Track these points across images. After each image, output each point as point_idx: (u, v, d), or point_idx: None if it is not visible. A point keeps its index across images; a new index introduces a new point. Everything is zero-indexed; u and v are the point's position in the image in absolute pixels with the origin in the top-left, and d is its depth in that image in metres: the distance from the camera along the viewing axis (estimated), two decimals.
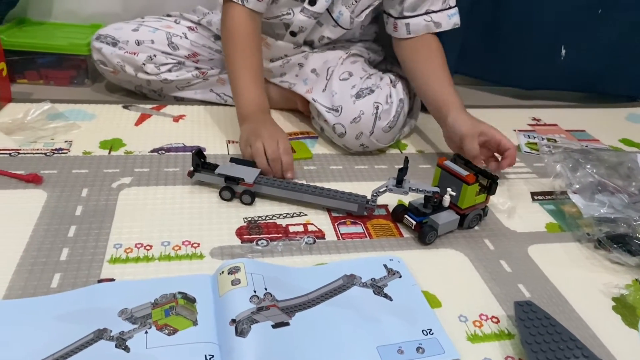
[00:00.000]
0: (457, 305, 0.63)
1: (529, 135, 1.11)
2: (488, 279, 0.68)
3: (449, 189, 0.74)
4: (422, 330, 0.57)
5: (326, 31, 1.00)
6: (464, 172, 0.73)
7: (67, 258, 0.64)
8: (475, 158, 0.84)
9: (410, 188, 0.73)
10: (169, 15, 1.11)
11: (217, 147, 0.93)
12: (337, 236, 0.73)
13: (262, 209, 0.77)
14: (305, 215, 0.77)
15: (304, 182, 0.84)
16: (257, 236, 0.71)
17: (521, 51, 1.24)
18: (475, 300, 0.64)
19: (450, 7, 0.97)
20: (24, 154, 0.85)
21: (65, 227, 0.69)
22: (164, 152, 0.90)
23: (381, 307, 0.60)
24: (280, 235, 0.72)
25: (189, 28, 1.07)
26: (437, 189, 0.74)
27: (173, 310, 0.56)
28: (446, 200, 0.74)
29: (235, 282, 0.58)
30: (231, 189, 0.77)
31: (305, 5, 0.95)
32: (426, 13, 0.96)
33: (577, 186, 0.81)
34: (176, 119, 1.02)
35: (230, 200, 0.78)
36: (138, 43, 1.02)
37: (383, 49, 1.13)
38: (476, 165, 0.78)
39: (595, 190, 0.80)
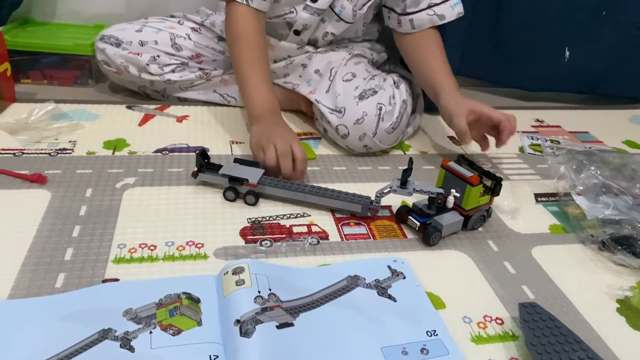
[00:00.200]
0: (461, 307, 0.63)
1: (532, 137, 1.11)
2: (492, 280, 0.68)
3: (453, 190, 0.74)
4: (427, 332, 0.57)
5: (329, 27, 1.00)
6: (468, 174, 0.73)
7: (71, 258, 0.64)
8: (464, 135, 0.84)
9: (414, 189, 0.73)
10: (172, 16, 1.11)
11: (220, 148, 0.93)
12: (341, 237, 0.73)
13: (266, 209, 0.77)
14: (309, 216, 0.77)
15: (307, 183, 0.84)
16: (261, 237, 0.71)
17: (524, 52, 1.23)
18: (479, 302, 0.64)
19: None
20: (28, 153, 0.85)
21: (69, 227, 0.69)
22: (167, 152, 0.90)
23: (385, 308, 0.60)
24: (284, 235, 0.72)
25: (193, 29, 1.07)
26: (441, 190, 0.74)
27: (177, 310, 0.56)
28: (450, 201, 0.74)
29: (240, 283, 0.58)
30: (235, 190, 0.77)
31: (308, 2, 0.95)
32: (429, 7, 0.97)
33: (581, 188, 0.81)
34: (180, 119, 1.02)
35: (234, 200, 0.78)
36: (142, 44, 1.02)
37: (387, 50, 1.13)
38: (462, 140, 0.77)
39: (600, 191, 0.80)
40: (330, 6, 0.97)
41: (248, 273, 0.59)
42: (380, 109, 0.91)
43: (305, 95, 0.99)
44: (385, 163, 0.94)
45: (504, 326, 0.61)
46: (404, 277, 0.65)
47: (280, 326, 0.55)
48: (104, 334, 0.53)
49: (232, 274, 0.60)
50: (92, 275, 0.62)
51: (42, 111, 0.95)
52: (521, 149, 1.05)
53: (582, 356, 0.54)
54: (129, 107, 1.05)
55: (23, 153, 0.85)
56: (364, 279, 0.64)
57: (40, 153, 0.85)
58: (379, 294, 0.62)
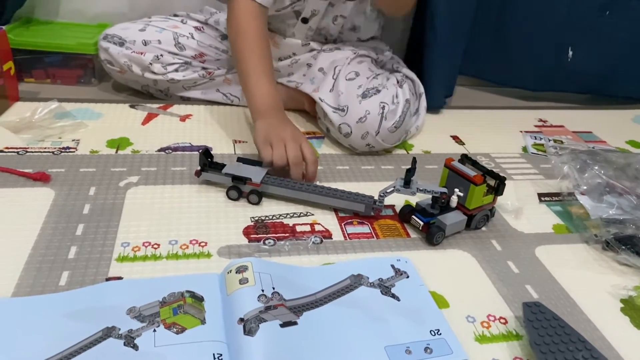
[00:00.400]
0: (465, 306, 0.63)
1: (535, 137, 1.11)
2: (495, 279, 0.68)
3: (456, 190, 0.74)
4: (430, 331, 0.57)
5: (338, 9, 0.99)
6: (471, 173, 0.73)
7: (75, 256, 0.64)
8: None
9: (417, 188, 0.73)
10: (175, 15, 1.11)
11: (223, 147, 0.93)
12: (344, 236, 0.73)
13: (269, 208, 0.77)
14: (312, 215, 0.77)
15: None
16: (264, 235, 0.71)
17: (528, 52, 1.23)
18: (483, 301, 0.64)
19: None
20: (32, 152, 0.85)
21: (73, 226, 0.69)
22: (170, 151, 0.90)
23: (389, 307, 0.60)
24: (287, 234, 0.72)
25: (196, 28, 1.07)
26: (444, 190, 0.74)
27: (181, 308, 0.56)
28: (454, 200, 0.74)
29: (243, 281, 0.58)
30: (238, 189, 0.77)
31: None
32: None
33: (585, 187, 0.81)
34: (183, 118, 1.02)
35: (237, 199, 0.78)
36: (145, 43, 1.02)
37: (390, 49, 1.13)
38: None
39: (603, 191, 0.80)
40: None
41: (251, 272, 0.59)
42: (383, 107, 0.91)
43: (308, 94, 0.99)
44: (388, 162, 0.94)
45: (508, 325, 0.61)
46: (408, 277, 0.65)
47: (284, 325, 0.55)
48: (108, 332, 0.53)
49: (236, 272, 0.60)
50: (95, 274, 0.62)
51: (46, 110, 0.95)
52: (524, 149, 1.05)
53: (586, 355, 0.54)
54: (132, 106, 1.05)
55: (27, 151, 0.85)
56: (368, 278, 0.64)
57: (44, 152, 0.85)
58: (382, 293, 0.62)
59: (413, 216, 0.75)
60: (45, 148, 0.86)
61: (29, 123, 0.92)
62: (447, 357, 0.55)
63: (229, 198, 0.78)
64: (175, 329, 0.54)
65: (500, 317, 0.62)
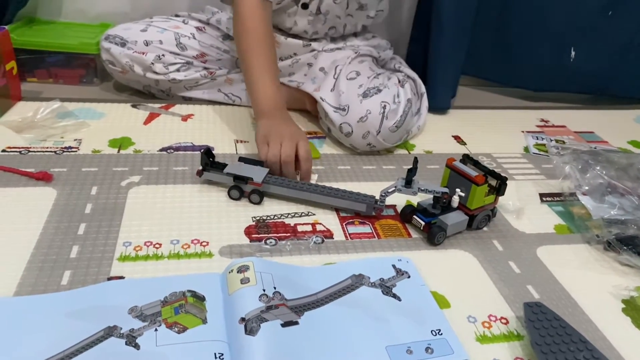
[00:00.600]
0: (466, 306, 0.63)
1: (537, 137, 1.10)
2: (497, 279, 0.68)
3: (458, 190, 0.74)
4: (431, 331, 0.57)
5: None
6: (473, 173, 0.73)
7: (77, 255, 0.64)
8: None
9: (419, 188, 0.73)
10: (177, 15, 1.11)
11: (225, 147, 0.93)
12: (346, 236, 0.73)
13: (271, 208, 0.77)
14: (314, 214, 0.77)
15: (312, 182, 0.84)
16: (266, 235, 0.71)
17: (530, 52, 1.23)
18: (484, 301, 0.64)
19: None
20: (34, 152, 0.85)
21: (75, 225, 0.69)
22: (172, 151, 0.90)
23: (390, 307, 0.60)
24: (288, 234, 0.72)
25: (197, 28, 1.07)
26: (446, 190, 0.74)
27: (182, 308, 0.57)
28: (455, 200, 0.74)
29: (245, 281, 0.58)
30: (240, 188, 0.78)
31: None
32: None
33: (587, 188, 0.81)
34: (185, 118, 1.02)
35: (238, 199, 0.78)
36: (146, 43, 1.02)
37: (392, 47, 1.13)
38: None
39: (605, 191, 0.79)
40: None
41: (253, 271, 0.59)
42: (385, 107, 0.91)
43: (310, 93, 0.99)
44: (389, 162, 0.94)
45: (509, 326, 0.61)
46: (409, 277, 0.65)
47: (285, 324, 0.55)
48: (110, 331, 0.53)
49: (237, 272, 0.60)
50: (97, 273, 0.62)
51: (48, 109, 0.96)
52: (526, 149, 1.05)
53: (588, 356, 0.54)
54: (134, 106, 1.05)
55: (29, 151, 0.85)
56: (369, 278, 0.64)
57: (46, 151, 0.86)
58: (383, 293, 0.62)
59: (414, 216, 0.75)
60: (47, 148, 0.87)
61: (31, 123, 0.92)
62: (448, 357, 0.55)
63: (231, 198, 0.78)
64: (176, 329, 0.54)
65: (502, 317, 0.62)
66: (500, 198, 0.78)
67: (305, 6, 0.99)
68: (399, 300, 0.61)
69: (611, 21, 1.19)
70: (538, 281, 0.68)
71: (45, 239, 0.66)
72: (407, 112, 0.94)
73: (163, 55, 1.02)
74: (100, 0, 1.20)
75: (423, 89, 1.07)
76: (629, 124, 1.23)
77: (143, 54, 1.02)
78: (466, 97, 1.26)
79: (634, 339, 0.61)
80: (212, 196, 0.78)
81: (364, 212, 0.77)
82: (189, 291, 0.59)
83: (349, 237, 0.73)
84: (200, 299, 0.58)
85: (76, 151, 0.87)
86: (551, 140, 1.09)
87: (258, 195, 0.77)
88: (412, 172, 0.73)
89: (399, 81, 0.99)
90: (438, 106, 1.15)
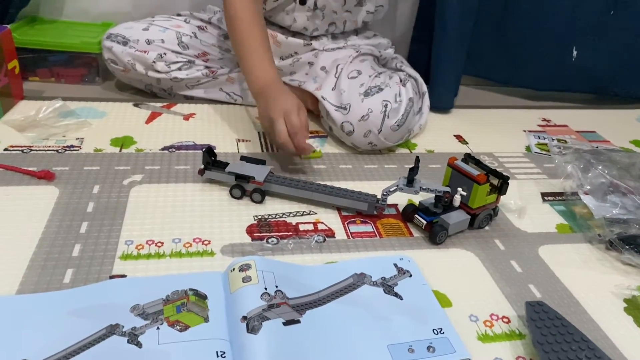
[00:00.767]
0: (468, 305, 0.63)
1: (539, 136, 1.10)
2: (498, 279, 0.68)
3: (459, 189, 0.74)
4: (433, 330, 0.57)
5: None
6: (475, 172, 0.73)
7: (79, 254, 0.64)
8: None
9: (420, 187, 0.73)
10: (179, 15, 1.11)
11: (227, 146, 0.93)
12: (347, 235, 0.73)
13: (272, 207, 0.77)
14: (315, 213, 0.77)
15: (313, 181, 0.84)
16: (267, 234, 0.71)
17: (531, 52, 1.23)
18: (485, 300, 0.64)
19: None
20: (36, 150, 0.85)
21: (77, 224, 0.69)
22: (174, 150, 0.90)
23: (391, 306, 0.60)
24: (290, 233, 0.72)
25: (199, 27, 1.07)
26: (447, 189, 0.74)
27: (184, 306, 0.57)
28: (457, 200, 0.74)
29: (246, 280, 0.58)
30: (241, 187, 0.78)
31: None
32: None
33: (589, 187, 0.81)
34: (186, 117, 1.02)
35: (240, 198, 0.78)
36: (148, 42, 1.02)
37: (393, 46, 1.13)
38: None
39: (607, 191, 0.79)
40: None
41: (255, 270, 0.60)
42: (386, 106, 0.91)
43: (311, 92, 0.99)
44: (391, 161, 0.94)
45: (511, 325, 0.61)
46: (410, 275, 0.65)
47: (287, 323, 0.55)
48: (112, 330, 0.53)
49: (239, 270, 0.60)
50: (99, 272, 0.62)
51: (50, 108, 0.96)
52: (528, 148, 1.05)
53: (589, 355, 0.54)
54: (135, 105, 1.05)
55: (31, 150, 0.85)
56: (370, 276, 0.64)
57: (48, 150, 0.86)
58: (385, 292, 0.62)
59: (416, 215, 0.75)
60: (49, 146, 0.87)
61: (33, 121, 0.93)
62: (449, 356, 0.55)
63: (232, 196, 0.78)
64: (178, 327, 0.54)
65: (503, 317, 0.62)
66: (502, 197, 0.78)
67: (302, 2, 0.99)
68: (401, 299, 0.61)
69: (613, 20, 1.19)
70: (540, 280, 0.68)
71: (47, 238, 0.66)
72: (409, 111, 0.94)
73: (165, 53, 1.03)
74: (102, 0, 1.20)
75: (424, 88, 1.07)
76: (631, 124, 1.23)
77: (145, 52, 1.02)
78: (468, 97, 1.26)
79: (636, 338, 0.61)
80: (213, 195, 0.78)
81: (366, 211, 0.77)
82: (190, 290, 0.59)
83: (350, 236, 0.73)
84: (202, 297, 0.58)
85: (78, 150, 0.87)
86: (553, 139, 1.09)
87: (260, 194, 0.77)
88: (413, 171, 0.73)
89: (401, 80, 0.99)
90: (442, 106, 1.15)
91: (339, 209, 0.78)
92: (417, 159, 0.73)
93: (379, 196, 0.76)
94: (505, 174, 0.76)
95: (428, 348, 0.55)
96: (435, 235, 0.72)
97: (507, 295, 0.65)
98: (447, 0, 1.09)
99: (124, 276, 0.62)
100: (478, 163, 0.77)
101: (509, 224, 0.80)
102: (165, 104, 1.06)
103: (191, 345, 0.52)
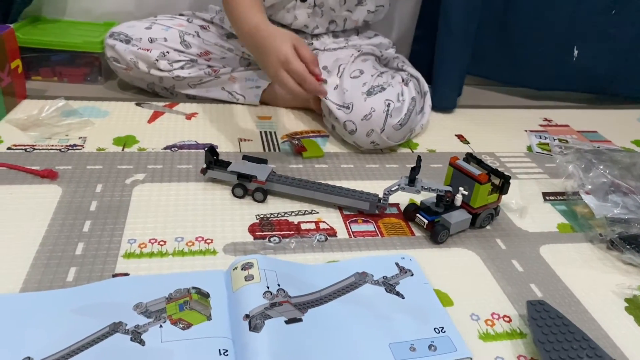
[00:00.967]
0: (469, 304, 0.63)
1: (540, 136, 1.10)
2: (500, 278, 0.68)
3: (461, 188, 0.74)
4: (434, 328, 0.58)
5: None
6: (476, 172, 0.73)
7: (82, 252, 0.65)
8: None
9: (422, 187, 0.73)
10: (181, 15, 1.11)
11: (229, 145, 0.93)
12: (349, 234, 0.73)
13: (274, 206, 0.78)
14: (317, 213, 0.77)
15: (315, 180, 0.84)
16: (269, 233, 0.72)
17: (533, 52, 1.23)
18: (487, 299, 0.64)
19: None
20: (39, 149, 0.85)
21: (80, 222, 0.70)
22: (176, 149, 0.90)
23: (393, 305, 0.60)
24: (292, 232, 0.72)
25: (202, 27, 1.07)
26: (449, 188, 0.74)
27: (187, 304, 0.57)
28: (458, 199, 0.74)
29: (249, 278, 0.59)
30: (243, 186, 0.78)
31: None
32: None
33: (590, 187, 0.81)
34: (188, 116, 1.02)
35: (242, 197, 0.78)
36: (151, 40, 1.03)
37: (394, 45, 1.13)
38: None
39: (608, 190, 0.80)
40: None
41: (257, 269, 0.60)
42: (389, 105, 0.91)
43: None
44: (393, 161, 0.94)
45: (512, 324, 0.61)
46: (412, 274, 0.65)
47: (289, 321, 0.55)
48: (115, 328, 0.54)
49: (241, 269, 0.60)
50: (102, 270, 0.62)
51: (53, 108, 0.96)
52: (529, 148, 1.05)
53: (590, 354, 0.54)
54: (138, 104, 1.05)
55: (34, 149, 0.86)
56: (372, 275, 0.64)
57: (51, 149, 0.86)
58: (386, 291, 0.62)
59: (418, 214, 0.75)
60: (52, 145, 0.87)
61: (36, 121, 0.93)
62: (451, 355, 0.55)
63: (235, 196, 0.79)
64: (181, 325, 0.54)
65: (505, 316, 0.62)
66: (504, 197, 0.78)
67: None
68: (402, 298, 0.62)
69: (615, 20, 1.19)
70: (541, 279, 0.68)
71: (50, 236, 0.67)
72: (412, 110, 0.95)
73: (167, 52, 1.03)
74: (104, 0, 1.20)
75: (426, 87, 1.07)
76: (632, 124, 1.23)
77: (148, 50, 1.02)
78: (469, 97, 1.26)
79: (637, 337, 0.61)
80: (216, 194, 0.79)
81: (368, 210, 0.77)
82: (193, 288, 0.59)
83: (352, 235, 0.73)
84: (205, 295, 0.58)
85: (81, 149, 0.87)
86: (554, 139, 1.09)
87: (262, 193, 0.77)
88: (415, 170, 0.73)
89: (403, 80, 1.00)
90: (444, 106, 1.15)
91: (340, 208, 0.79)
92: (419, 159, 0.74)
93: (381, 195, 0.77)
94: (506, 173, 0.76)
95: (429, 347, 0.55)
96: (437, 234, 0.72)
97: (509, 294, 0.65)
98: None
99: (126, 274, 0.62)
100: (479, 163, 0.77)
101: (510, 223, 0.80)
102: (167, 103, 1.07)
103: (194, 344, 0.53)
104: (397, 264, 0.67)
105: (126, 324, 0.54)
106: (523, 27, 1.22)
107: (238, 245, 0.69)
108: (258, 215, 0.75)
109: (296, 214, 0.76)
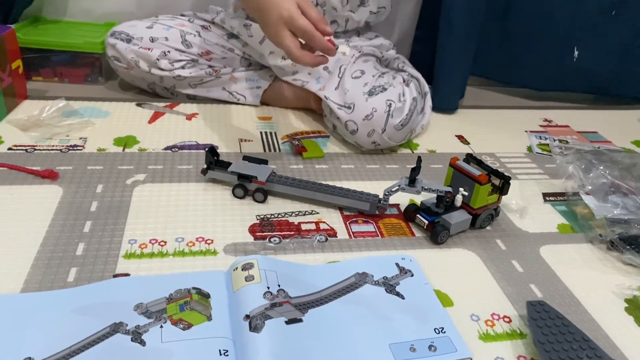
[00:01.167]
0: (469, 305, 0.63)
1: (540, 137, 1.11)
2: (500, 278, 0.68)
3: (461, 189, 0.74)
4: (434, 329, 0.58)
5: None
6: (476, 172, 0.73)
7: (83, 253, 0.65)
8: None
9: (422, 187, 0.73)
10: (182, 15, 1.11)
11: (229, 145, 0.94)
12: (349, 234, 0.74)
13: (275, 206, 0.78)
14: (317, 213, 0.77)
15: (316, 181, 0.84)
16: (270, 233, 0.72)
17: (533, 52, 1.23)
18: (487, 300, 0.64)
19: None
20: (40, 150, 0.86)
21: (81, 223, 0.70)
22: (177, 149, 0.90)
23: (393, 305, 0.61)
24: (292, 233, 0.73)
25: (203, 27, 1.08)
26: (449, 189, 0.74)
27: (188, 305, 0.57)
28: (458, 200, 0.74)
29: (249, 279, 0.59)
30: (244, 187, 0.78)
31: None
32: None
33: (590, 187, 0.81)
34: (189, 117, 1.03)
35: (243, 197, 0.78)
36: (152, 40, 1.03)
37: (394, 47, 1.13)
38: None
39: (608, 191, 0.80)
40: None
41: (257, 269, 0.60)
42: (390, 105, 0.91)
43: (315, 92, 1.00)
44: (393, 161, 0.94)
45: (512, 324, 0.61)
46: (412, 275, 0.65)
47: (289, 322, 0.55)
48: (115, 328, 0.54)
49: (242, 269, 0.60)
50: (103, 270, 0.62)
51: (54, 108, 0.96)
52: (529, 149, 1.05)
53: (590, 354, 0.55)
54: (138, 105, 1.05)
55: (35, 149, 0.86)
56: (372, 276, 0.64)
57: (52, 149, 0.86)
58: (387, 291, 0.62)
59: (418, 215, 0.75)
60: (53, 146, 0.87)
61: (37, 121, 0.93)
62: (451, 355, 0.55)
63: (235, 196, 0.79)
64: (181, 325, 0.55)
65: (505, 316, 0.62)
66: (504, 197, 0.78)
67: None
68: (403, 298, 0.62)
69: (615, 21, 1.19)
70: (541, 280, 0.68)
71: (51, 237, 0.67)
72: (413, 111, 0.95)
73: (168, 51, 1.03)
74: (105, 0, 1.20)
75: (427, 88, 1.07)
76: (632, 124, 1.23)
77: (149, 49, 1.02)
78: (470, 97, 1.26)
79: (637, 337, 0.61)
80: (216, 194, 0.79)
81: (368, 210, 0.77)
82: (194, 288, 0.59)
83: (352, 236, 0.73)
84: (205, 296, 0.59)
85: (81, 149, 0.87)
86: (554, 140, 1.09)
87: (262, 194, 0.78)
88: (415, 171, 0.73)
89: (404, 80, 1.00)
90: (446, 107, 1.16)
91: (341, 208, 0.79)
92: (419, 159, 0.74)
93: (381, 196, 0.77)
94: (506, 174, 0.76)
95: (429, 347, 0.55)
96: (437, 235, 0.72)
97: (509, 294, 0.65)
98: None
99: (127, 275, 0.62)
100: (480, 163, 0.77)
101: (510, 224, 0.80)
102: (168, 103, 1.07)
103: (194, 344, 0.53)
104: (397, 264, 0.67)
105: (127, 325, 0.54)
106: (523, 28, 1.22)
107: (238, 245, 0.69)
108: (258, 215, 0.75)
109: (296, 215, 0.76)
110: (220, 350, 0.52)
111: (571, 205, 0.84)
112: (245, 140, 0.96)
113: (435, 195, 0.75)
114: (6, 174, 0.78)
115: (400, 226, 0.77)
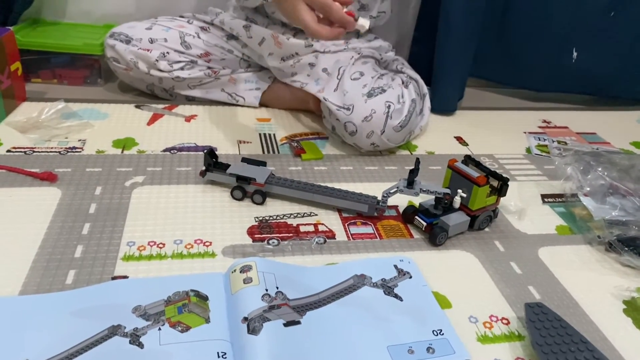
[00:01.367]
0: (468, 306, 0.63)
1: (539, 138, 1.11)
2: (498, 280, 0.68)
3: (459, 191, 0.74)
4: (433, 331, 0.58)
5: None
6: (475, 174, 0.74)
7: (81, 255, 0.65)
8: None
9: (421, 189, 0.73)
10: (181, 17, 1.12)
11: (228, 147, 0.94)
12: (348, 236, 0.74)
13: (273, 208, 0.78)
14: (316, 215, 0.77)
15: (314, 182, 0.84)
16: (268, 235, 0.72)
17: (532, 53, 1.23)
18: (485, 302, 0.64)
19: None
20: (39, 152, 0.86)
21: (79, 225, 0.70)
22: (176, 151, 0.91)
23: (391, 307, 0.61)
24: (291, 234, 0.73)
25: (202, 28, 1.08)
26: (447, 191, 0.74)
27: (186, 307, 0.57)
28: (457, 201, 0.74)
29: (247, 281, 0.59)
30: (242, 189, 0.78)
31: None
32: None
33: (588, 189, 0.81)
34: (188, 118, 1.03)
35: (241, 199, 0.78)
36: (151, 41, 1.03)
37: (393, 49, 1.13)
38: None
39: (607, 193, 0.80)
40: None
41: (256, 271, 0.60)
42: (389, 107, 0.92)
43: (314, 94, 1.00)
44: (392, 163, 0.94)
45: (510, 326, 0.61)
46: (410, 277, 0.65)
47: (287, 324, 0.55)
48: (114, 330, 0.54)
49: (240, 272, 0.60)
50: (101, 273, 0.62)
51: (53, 110, 0.96)
52: (528, 150, 1.05)
53: (588, 356, 0.55)
54: (137, 107, 1.06)
55: (34, 151, 0.86)
56: (371, 278, 0.65)
57: (51, 151, 0.86)
58: (385, 293, 0.62)
59: (416, 217, 0.75)
60: (51, 148, 0.87)
61: (35, 123, 0.93)
62: (449, 357, 0.55)
63: (234, 198, 0.79)
64: (180, 328, 0.55)
65: (503, 318, 0.62)
66: (502, 199, 0.78)
67: None
68: (401, 300, 0.62)
69: (613, 22, 1.19)
70: (539, 282, 0.69)
71: (50, 239, 0.67)
72: (412, 112, 0.95)
73: (168, 52, 1.03)
74: (104, 2, 1.20)
75: (425, 89, 1.07)
76: (631, 125, 1.23)
77: (148, 50, 1.02)
78: (468, 98, 1.26)
79: (635, 339, 0.61)
80: (215, 196, 0.79)
81: (366, 212, 0.77)
82: (192, 290, 0.59)
83: (351, 238, 0.73)
84: (204, 298, 0.59)
85: (80, 151, 0.87)
86: (553, 141, 1.10)
87: (261, 196, 0.78)
88: (414, 172, 0.73)
89: (403, 82, 1.00)
90: (445, 109, 1.16)
91: (339, 210, 0.79)
92: (418, 161, 0.74)
93: (380, 198, 0.77)
94: (505, 175, 0.76)
95: (428, 349, 0.55)
96: (435, 236, 0.72)
97: (507, 296, 0.65)
98: None
99: (125, 277, 0.62)
100: (478, 165, 0.77)
101: (508, 225, 0.80)
102: (167, 105, 1.07)
103: (192, 346, 0.53)
104: (395, 266, 0.67)
105: (125, 327, 0.54)
106: (522, 29, 1.22)
107: (237, 247, 0.69)
108: (257, 217, 0.75)
109: (295, 217, 0.76)
110: (218, 353, 0.52)
111: (569, 206, 0.84)
112: (244, 142, 0.96)
113: (433, 196, 0.75)
114: (5, 176, 0.79)
115: (399, 228, 0.77)
